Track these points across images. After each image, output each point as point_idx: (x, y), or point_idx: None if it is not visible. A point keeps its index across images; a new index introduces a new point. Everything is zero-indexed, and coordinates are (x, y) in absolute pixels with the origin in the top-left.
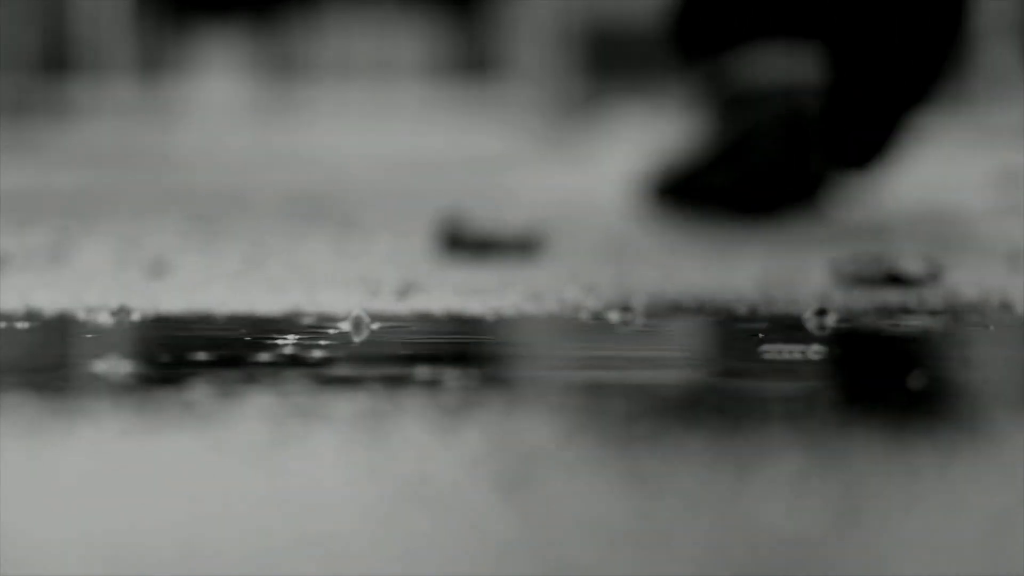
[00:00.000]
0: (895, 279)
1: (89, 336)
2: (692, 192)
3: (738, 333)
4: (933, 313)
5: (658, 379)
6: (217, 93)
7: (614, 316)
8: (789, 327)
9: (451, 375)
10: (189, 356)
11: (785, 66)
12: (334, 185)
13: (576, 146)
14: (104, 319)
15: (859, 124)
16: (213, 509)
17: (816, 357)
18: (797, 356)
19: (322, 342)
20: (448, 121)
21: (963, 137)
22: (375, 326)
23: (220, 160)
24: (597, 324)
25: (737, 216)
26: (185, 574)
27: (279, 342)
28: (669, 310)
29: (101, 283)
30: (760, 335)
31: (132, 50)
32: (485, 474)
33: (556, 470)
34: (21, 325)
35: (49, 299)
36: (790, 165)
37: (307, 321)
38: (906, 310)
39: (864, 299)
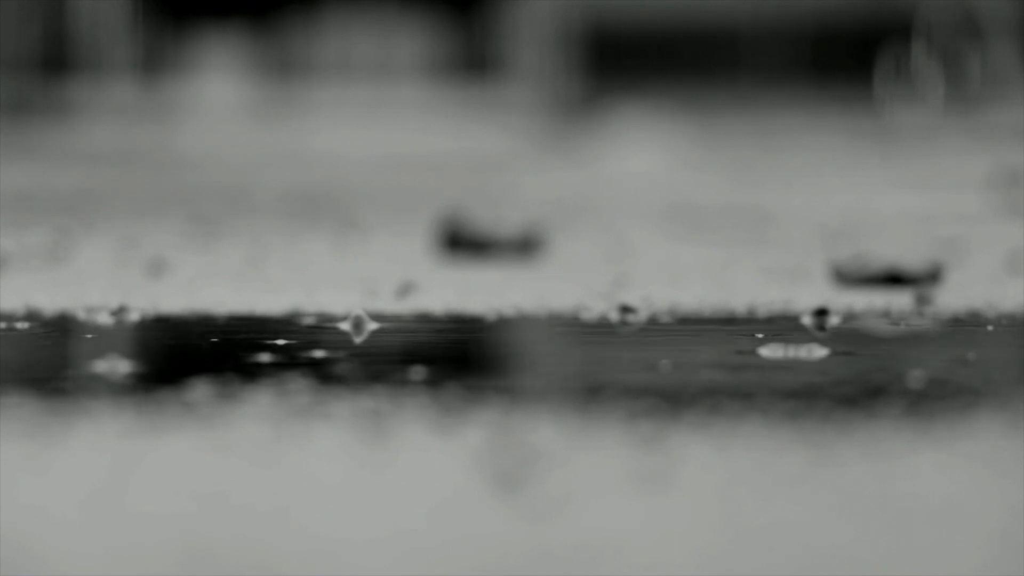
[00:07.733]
0: (895, 279)
1: (89, 336)
2: None
3: (738, 333)
4: (933, 313)
5: (658, 379)
6: (217, 93)
7: (614, 316)
8: (789, 327)
9: (451, 375)
10: (189, 356)
11: None
12: (334, 185)
13: (576, 146)
14: (104, 319)
15: None
16: (213, 508)
17: (816, 357)
18: (797, 356)
19: (322, 342)
20: (448, 121)
21: (963, 137)
22: (375, 326)
23: (220, 160)
24: (597, 324)
25: None
26: (186, 574)
27: (279, 342)
28: (669, 310)
29: (101, 283)
30: (760, 335)
31: (132, 50)
32: (485, 474)
33: (556, 470)
34: (21, 325)
35: (49, 299)
36: None
37: (307, 321)
38: (906, 310)
39: (864, 299)
